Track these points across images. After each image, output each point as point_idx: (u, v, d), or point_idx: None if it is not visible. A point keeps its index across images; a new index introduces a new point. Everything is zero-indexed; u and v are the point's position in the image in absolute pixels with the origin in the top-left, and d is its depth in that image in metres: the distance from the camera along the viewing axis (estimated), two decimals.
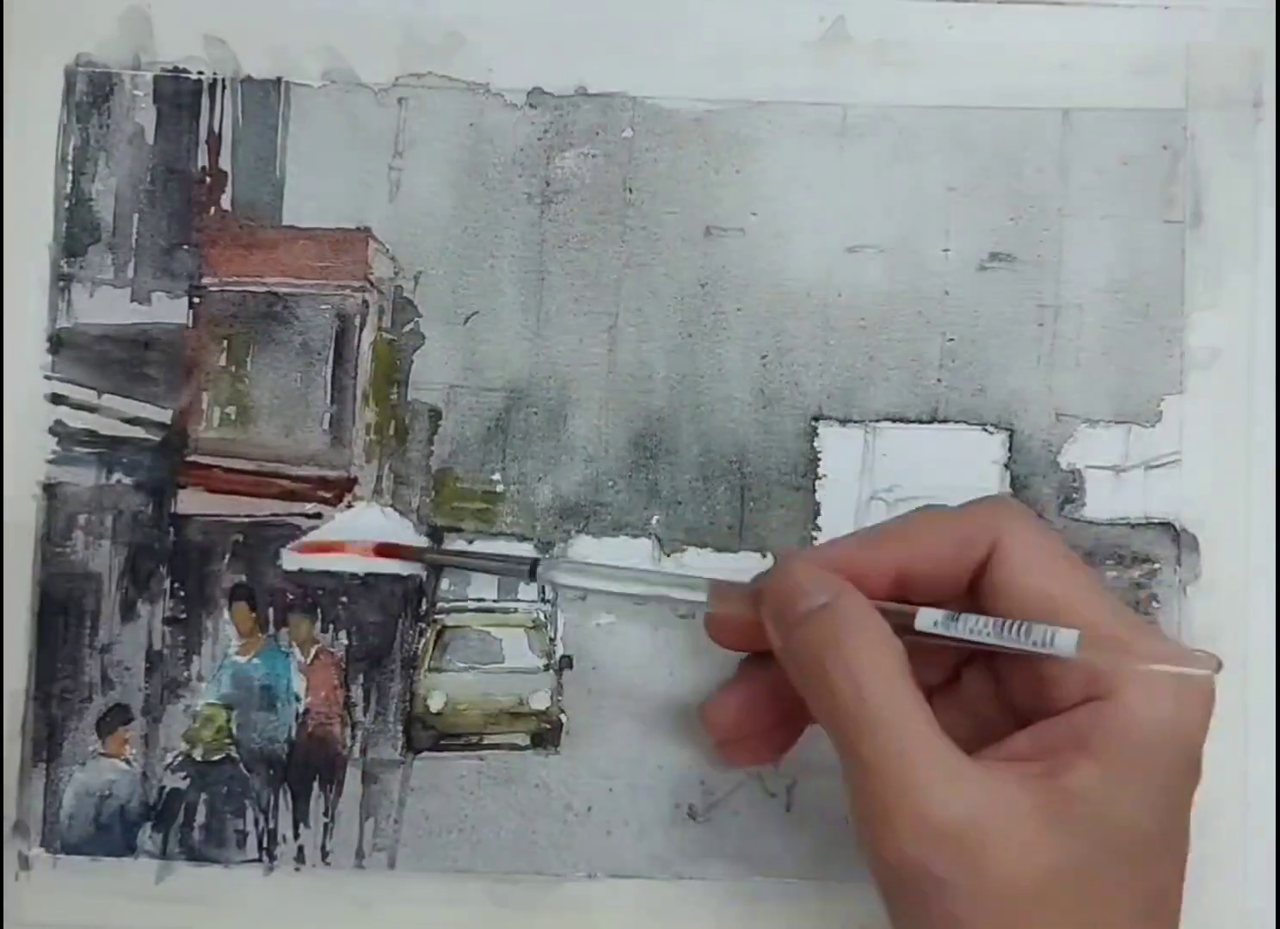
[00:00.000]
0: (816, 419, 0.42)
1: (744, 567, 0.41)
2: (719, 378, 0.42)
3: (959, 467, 0.42)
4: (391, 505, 0.42)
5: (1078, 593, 0.33)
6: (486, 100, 0.43)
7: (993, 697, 0.35)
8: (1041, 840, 0.30)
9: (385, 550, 0.41)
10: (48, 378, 0.42)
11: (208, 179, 0.43)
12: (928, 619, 0.32)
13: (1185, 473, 0.42)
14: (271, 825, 0.41)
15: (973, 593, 0.34)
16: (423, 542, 0.42)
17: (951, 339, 0.42)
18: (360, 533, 0.42)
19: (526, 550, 0.42)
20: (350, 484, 0.42)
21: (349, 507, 0.42)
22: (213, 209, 0.43)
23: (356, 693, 0.42)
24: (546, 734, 0.42)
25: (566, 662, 0.42)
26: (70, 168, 0.43)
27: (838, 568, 0.34)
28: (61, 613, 0.42)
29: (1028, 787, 0.31)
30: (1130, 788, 0.31)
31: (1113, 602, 0.33)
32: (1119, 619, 0.33)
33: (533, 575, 0.39)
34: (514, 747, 0.42)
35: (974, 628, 0.32)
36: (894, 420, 0.42)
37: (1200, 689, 0.32)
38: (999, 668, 0.35)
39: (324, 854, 0.41)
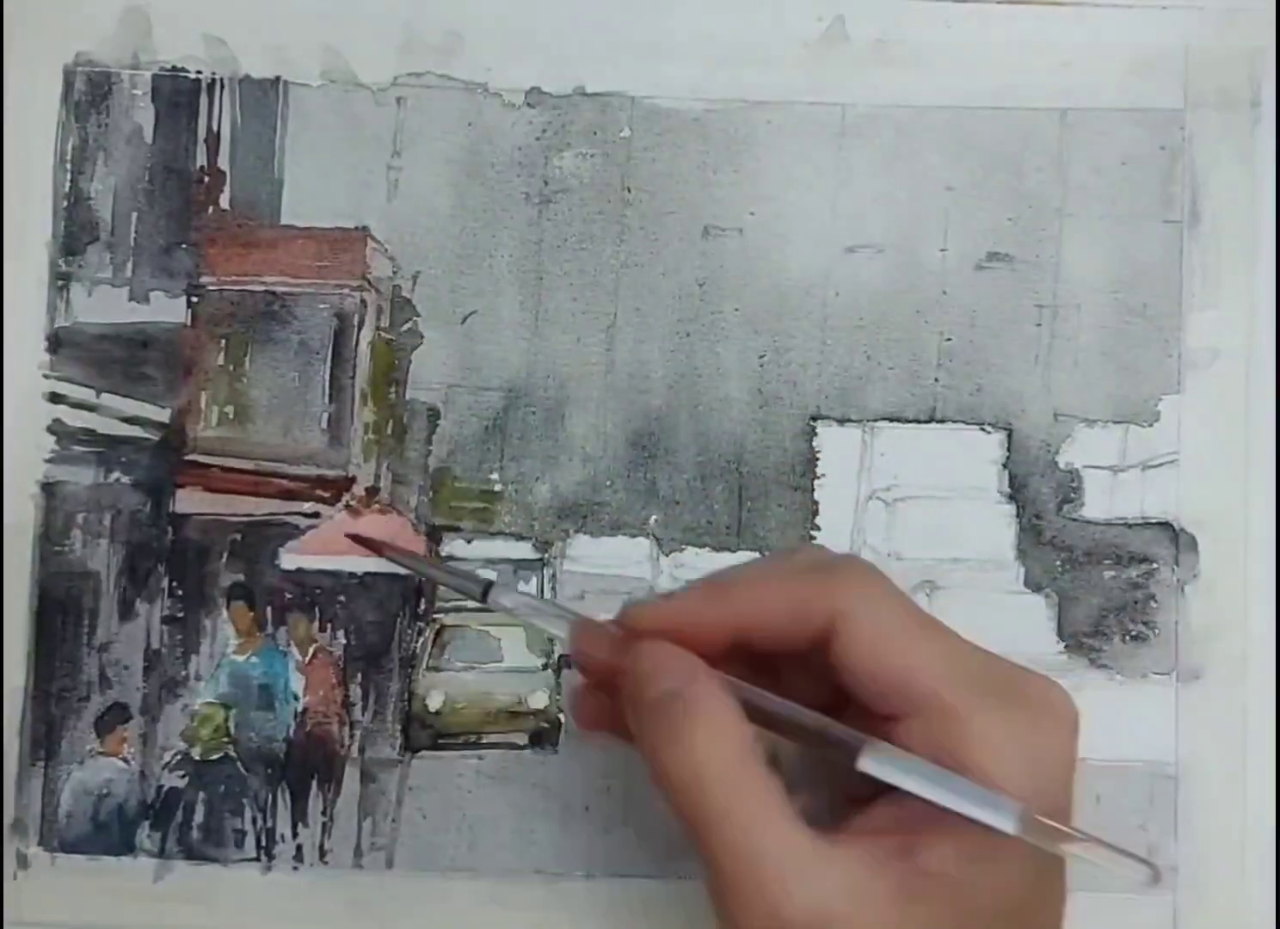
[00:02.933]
0: (814, 418, 0.42)
1: None
2: (717, 377, 0.42)
3: (957, 466, 0.42)
4: (390, 504, 0.42)
5: (927, 667, 0.32)
6: (485, 100, 0.43)
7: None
8: (899, 924, 0.30)
9: (356, 539, 0.41)
10: (46, 377, 0.42)
11: (206, 178, 0.43)
12: (870, 764, 0.31)
13: (1183, 472, 0.42)
14: (269, 824, 0.41)
15: (822, 658, 0.33)
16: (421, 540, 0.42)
17: (949, 339, 0.42)
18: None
19: (525, 550, 0.42)
20: (348, 483, 0.42)
21: (347, 506, 0.42)
22: (211, 208, 0.43)
23: (355, 692, 0.42)
24: (545, 734, 0.42)
25: (565, 661, 0.42)
26: (69, 167, 0.43)
27: (677, 626, 0.33)
28: (60, 612, 0.42)
29: (882, 869, 0.30)
30: (987, 864, 0.30)
31: (968, 666, 0.32)
32: (973, 688, 0.31)
33: (484, 598, 0.36)
34: (512, 746, 0.42)
35: (918, 783, 0.30)
36: (892, 420, 0.42)
37: (1058, 755, 0.31)
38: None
39: (322, 853, 0.41)
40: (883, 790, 0.31)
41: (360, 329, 0.42)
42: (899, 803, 0.31)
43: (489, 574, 0.42)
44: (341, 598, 0.42)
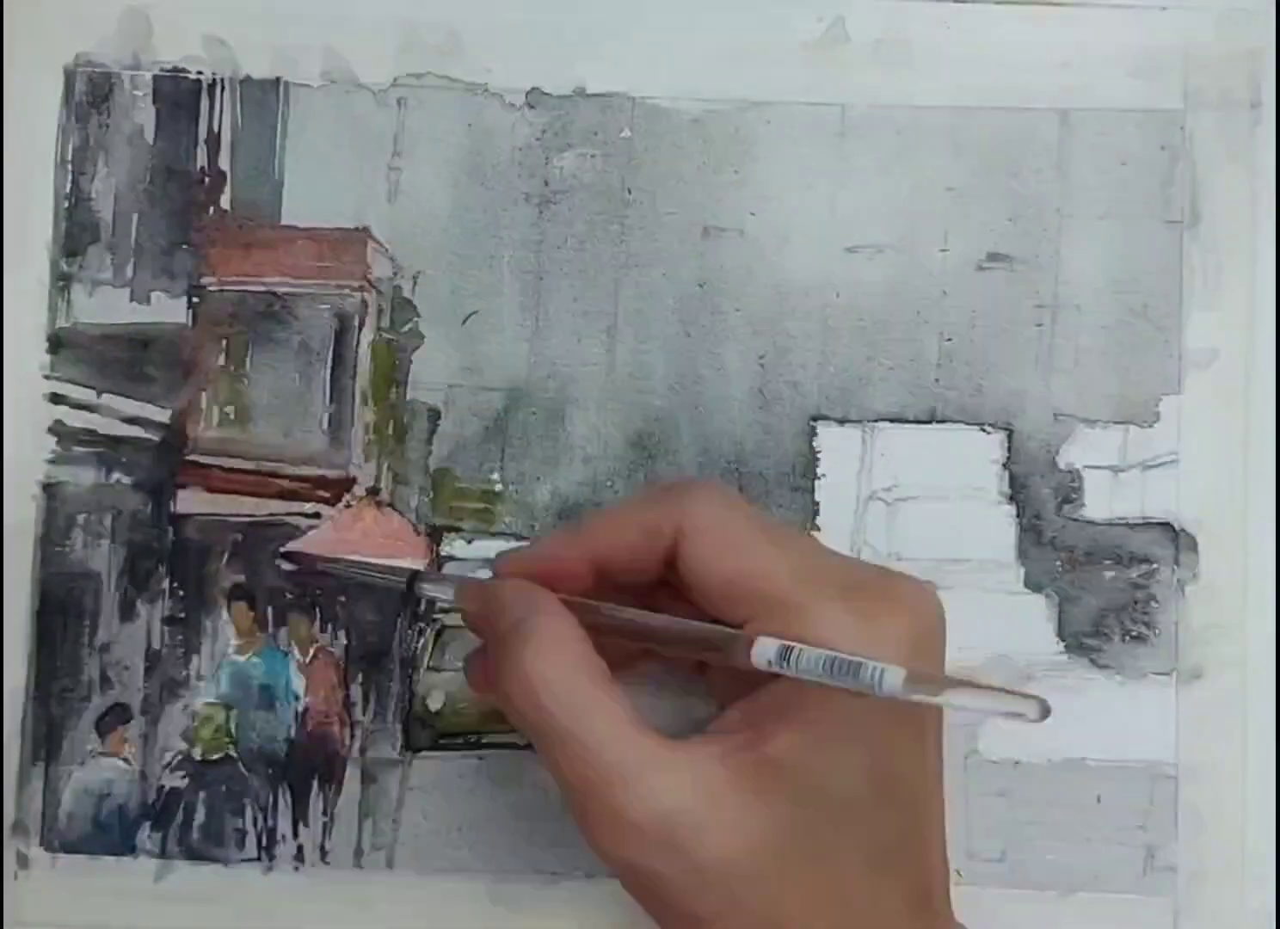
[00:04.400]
0: (815, 419, 0.42)
1: None
2: (717, 378, 0.42)
3: (957, 466, 0.42)
4: (390, 505, 0.42)
5: (768, 568, 0.32)
6: (485, 100, 0.43)
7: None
8: (746, 813, 0.30)
9: (290, 557, 0.42)
10: (47, 377, 0.42)
11: (207, 179, 0.43)
12: (762, 657, 0.31)
13: (1183, 473, 0.42)
14: (270, 824, 0.41)
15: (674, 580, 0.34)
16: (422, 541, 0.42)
17: (950, 339, 0.42)
18: (360, 535, 0.42)
19: None
20: (349, 484, 0.42)
21: (348, 506, 0.42)
22: (212, 209, 0.43)
23: (356, 692, 0.42)
24: None
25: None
26: (70, 167, 0.43)
27: (539, 567, 0.34)
28: (61, 612, 0.42)
29: (727, 762, 0.31)
30: (828, 751, 0.31)
31: (815, 567, 0.33)
32: (819, 585, 0.32)
33: (409, 588, 0.38)
34: (513, 746, 0.42)
35: (806, 666, 0.31)
36: (892, 420, 0.42)
37: (914, 641, 0.32)
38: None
39: (323, 853, 0.41)
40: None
41: (361, 329, 0.42)
42: (750, 702, 0.32)
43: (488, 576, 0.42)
44: (342, 598, 0.42)
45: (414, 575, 0.38)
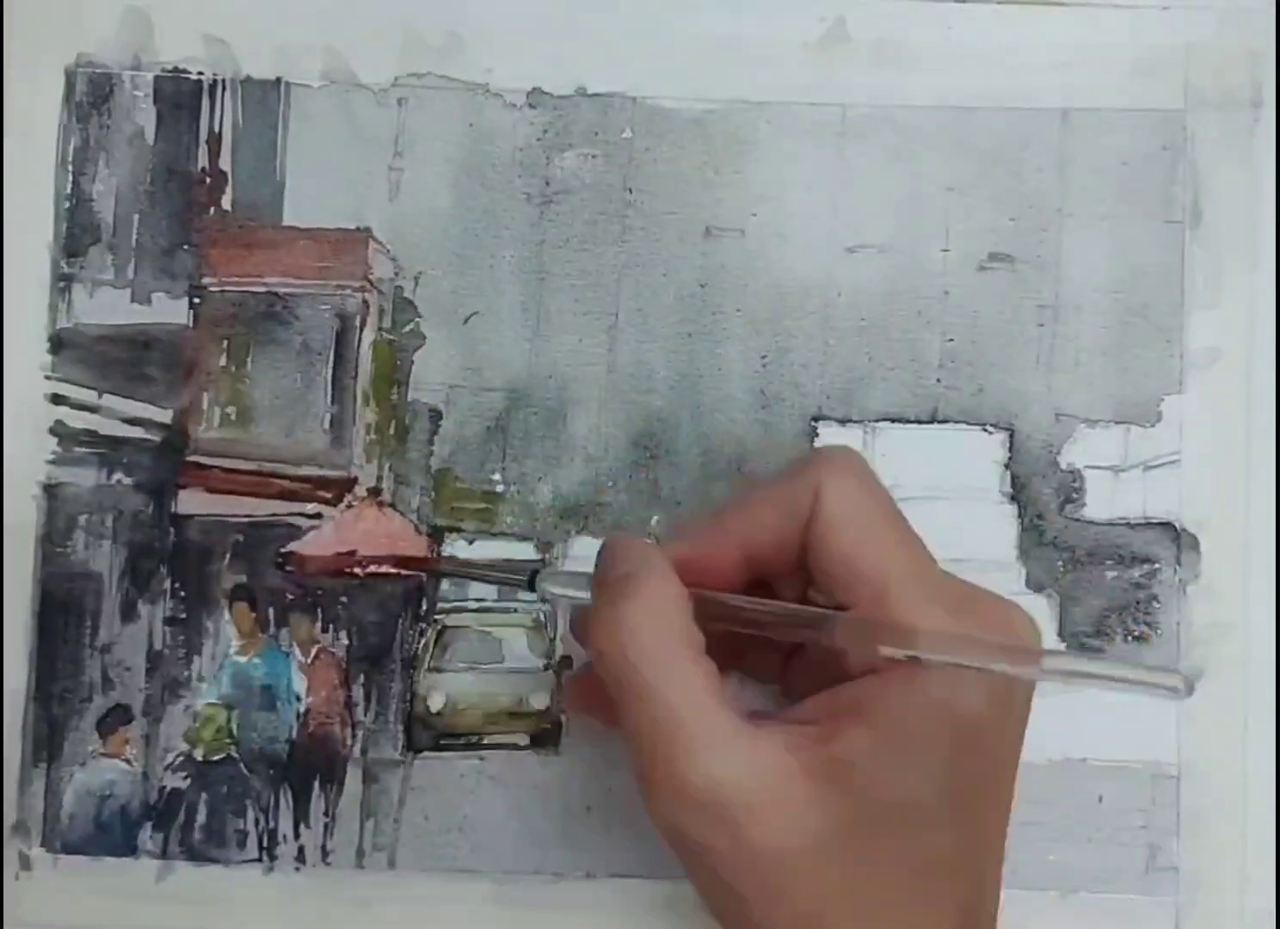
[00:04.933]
0: (816, 419, 0.42)
1: None
2: (719, 378, 0.42)
3: (958, 466, 0.42)
4: (392, 505, 0.42)
5: (877, 556, 0.32)
6: (486, 100, 0.43)
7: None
8: (807, 806, 0.30)
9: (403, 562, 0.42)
10: (48, 378, 0.42)
11: (208, 179, 0.43)
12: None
13: (1185, 473, 0.42)
14: (272, 825, 0.41)
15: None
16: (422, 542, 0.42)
17: (951, 339, 0.42)
18: (361, 535, 0.42)
19: (527, 550, 0.42)
20: (350, 484, 0.42)
21: (349, 507, 0.42)
22: (213, 209, 0.43)
23: (357, 693, 0.42)
24: (546, 734, 0.42)
25: (566, 662, 0.42)
26: (70, 168, 0.43)
27: (687, 561, 0.34)
28: (62, 613, 0.42)
29: (798, 752, 0.31)
30: (899, 759, 0.31)
31: (913, 565, 0.33)
32: (912, 585, 0.32)
33: (531, 586, 0.37)
34: (514, 747, 0.42)
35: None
36: (893, 420, 0.42)
37: (990, 676, 0.31)
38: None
39: (324, 854, 0.41)
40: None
41: (362, 330, 0.42)
42: (832, 693, 0.32)
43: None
44: (343, 599, 0.42)
45: (534, 573, 0.37)
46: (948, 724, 0.31)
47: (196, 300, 0.42)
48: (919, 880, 0.31)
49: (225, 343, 0.42)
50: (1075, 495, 0.42)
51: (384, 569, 0.42)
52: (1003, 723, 0.32)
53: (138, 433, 0.42)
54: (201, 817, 0.41)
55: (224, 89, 0.43)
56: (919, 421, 0.42)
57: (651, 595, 0.32)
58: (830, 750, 0.31)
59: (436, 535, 0.42)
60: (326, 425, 0.42)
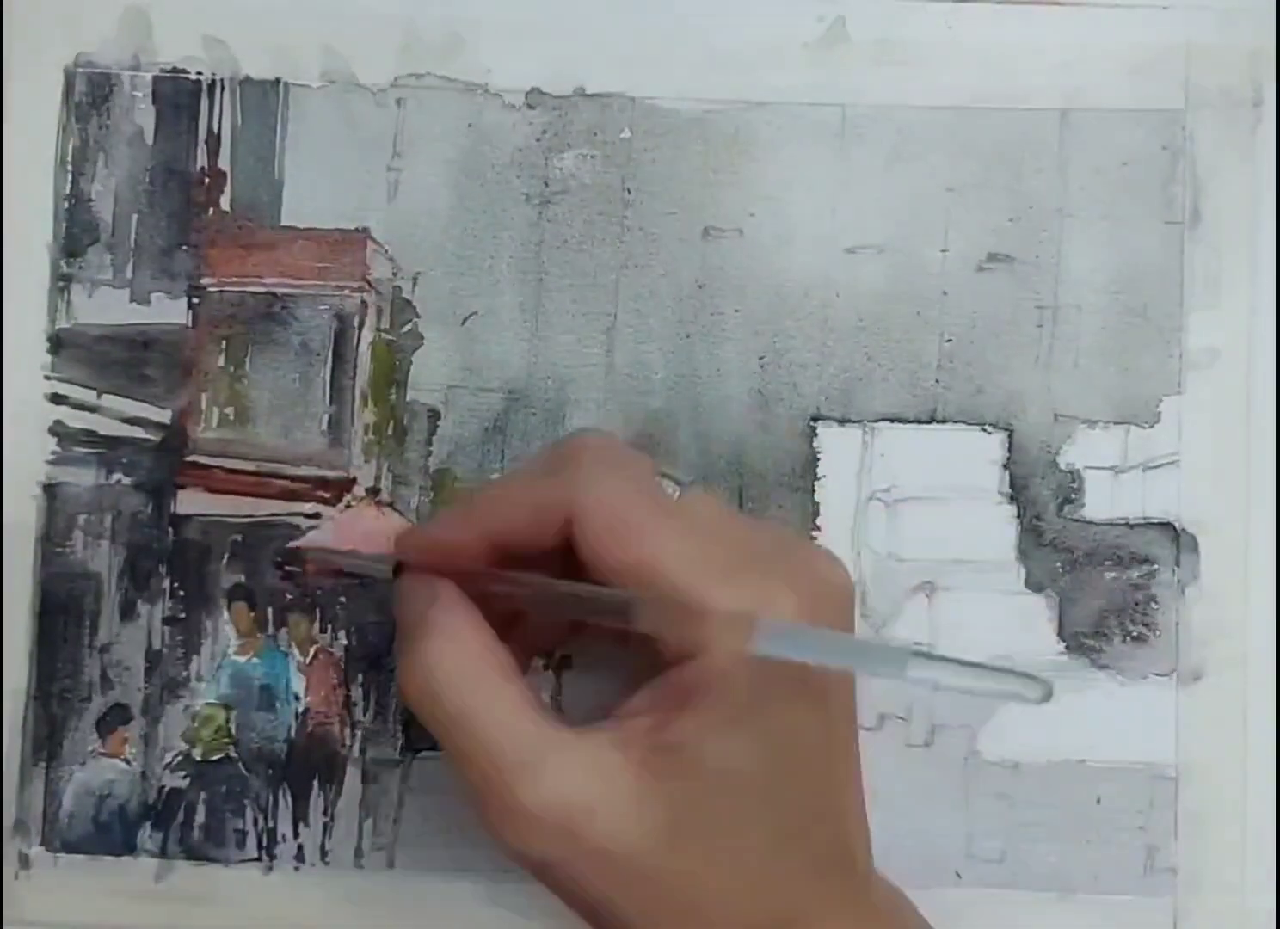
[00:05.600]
0: (815, 420, 0.42)
1: None
2: (717, 378, 0.42)
3: (958, 467, 0.42)
4: (390, 505, 0.42)
5: (644, 555, 0.32)
6: (485, 101, 0.43)
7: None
8: (641, 799, 0.30)
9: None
10: (47, 378, 0.42)
11: (207, 179, 0.43)
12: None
13: (1184, 473, 0.41)
14: (271, 825, 0.41)
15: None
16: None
17: (950, 339, 0.42)
18: (361, 535, 0.42)
19: None
20: (349, 484, 0.42)
21: (348, 507, 0.42)
22: (212, 210, 0.43)
23: (356, 692, 0.42)
24: None
25: (566, 662, 0.42)
26: (70, 168, 0.43)
27: (435, 548, 0.34)
28: (61, 613, 0.42)
29: (626, 749, 0.31)
30: (726, 734, 0.31)
31: (709, 547, 0.32)
32: (713, 567, 0.31)
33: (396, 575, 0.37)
34: None
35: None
36: (892, 421, 0.42)
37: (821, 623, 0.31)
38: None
39: (323, 853, 0.41)
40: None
41: (361, 330, 0.42)
42: (654, 688, 0.32)
43: None
44: (342, 598, 0.42)
45: (399, 564, 0.37)
46: (766, 694, 0.31)
47: (195, 300, 0.42)
48: (774, 842, 0.31)
49: (224, 343, 0.42)
50: (1074, 496, 0.42)
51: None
52: (828, 678, 0.32)
53: (137, 433, 0.42)
54: (200, 816, 0.42)
55: (223, 89, 0.43)
56: (918, 422, 0.42)
57: (443, 629, 0.32)
58: (661, 739, 0.31)
59: None
60: (325, 426, 0.42)
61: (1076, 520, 0.42)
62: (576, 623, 0.38)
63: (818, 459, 0.42)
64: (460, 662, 0.32)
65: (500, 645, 0.33)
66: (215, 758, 0.42)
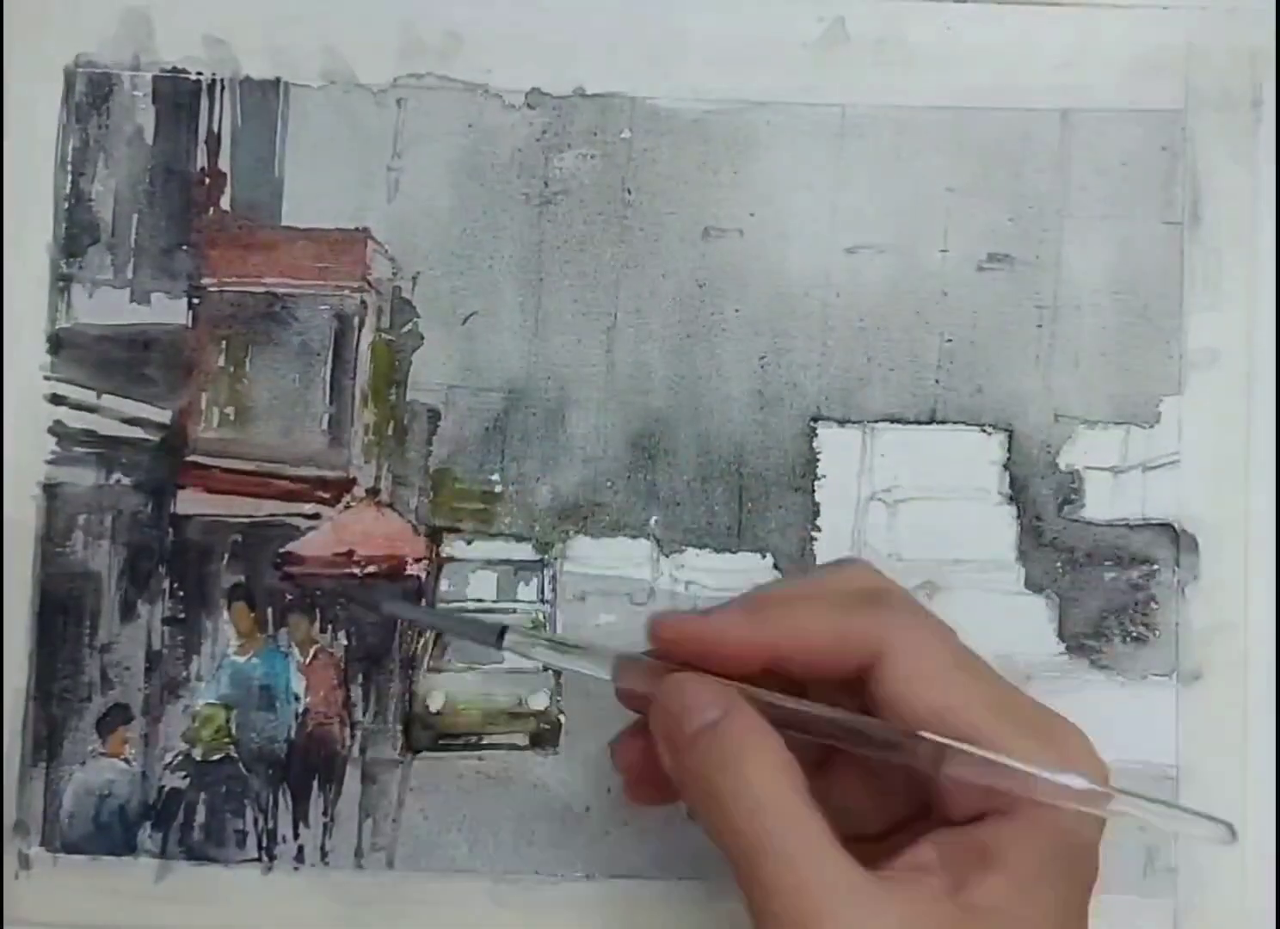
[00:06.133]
0: (815, 420, 0.42)
1: (742, 567, 0.41)
2: (717, 378, 0.42)
3: (958, 467, 0.42)
4: (390, 505, 0.42)
5: (955, 701, 0.32)
6: (485, 101, 0.43)
7: (864, 792, 0.35)
8: None
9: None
10: (47, 378, 0.42)
11: (207, 179, 0.43)
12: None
13: (1184, 474, 0.41)
14: (271, 825, 0.41)
15: (860, 689, 0.33)
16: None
17: (950, 340, 0.42)
18: (361, 535, 0.42)
19: (525, 551, 0.42)
20: (349, 484, 0.42)
21: (347, 507, 0.42)
22: (212, 209, 0.43)
23: (356, 693, 0.42)
24: (545, 734, 0.42)
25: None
26: (70, 168, 0.43)
27: (708, 645, 0.33)
28: (61, 613, 0.42)
29: (934, 906, 0.30)
30: (1036, 899, 0.31)
31: (1003, 704, 0.32)
32: (1009, 725, 0.32)
33: (499, 643, 0.35)
34: (513, 747, 0.42)
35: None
36: (892, 421, 0.42)
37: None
38: (876, 765, 0.34)
39: (323, 854, 0.41)
40: (895, 822, 0.33)
41: (361, 330, 0.42)
42: (946, 840, 0.32)
43: (488, 577, 0.42)
44: (342, 599, 0.42)
45: (502, 630, 0.35)
46: (1075, 855, 0.32)
47: (195, 300, 0.42)
48: None
49: (224, 343, 0.42)
50: (1074, 496, 0.42)
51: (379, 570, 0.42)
52: (1098, 846, 0.33)
53: (137, 433, 0.42)
54: (200, 816, 0.42)
55: (223, 89, 0.43)
56: (918, 422, 0.42)
57: (764, 752, 0.31)
58: (968, 899, 0.30)
59: (435, 536, 0.42)
60: (325, 426, 0.42)
61: (1076, 521, 0.42)
62: (826, 750, 0.35)
63: (818, 459, 0.42)
64: (785, 790, 0.31)
65: (800, 770, 0.31)
66: (215, 758, 0.42)
